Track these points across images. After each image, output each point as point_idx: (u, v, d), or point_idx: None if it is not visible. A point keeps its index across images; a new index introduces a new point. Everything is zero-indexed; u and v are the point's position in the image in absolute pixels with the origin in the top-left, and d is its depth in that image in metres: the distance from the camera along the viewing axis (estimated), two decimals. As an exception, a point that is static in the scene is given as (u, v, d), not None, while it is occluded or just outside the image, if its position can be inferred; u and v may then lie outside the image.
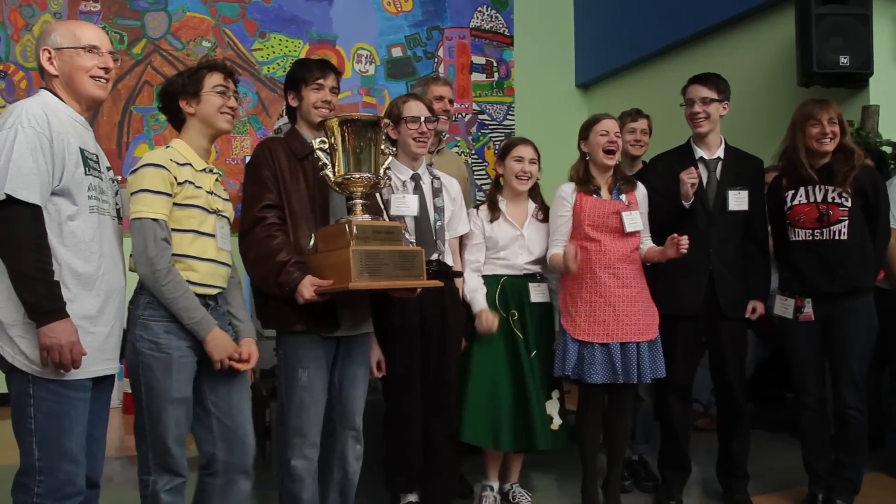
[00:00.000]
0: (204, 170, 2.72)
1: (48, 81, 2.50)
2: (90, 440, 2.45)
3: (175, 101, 2.72)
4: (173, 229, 2.58)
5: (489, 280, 3.62)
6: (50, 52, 2.48)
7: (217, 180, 2.78)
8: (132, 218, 2.54)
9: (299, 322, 2.89)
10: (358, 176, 2.82)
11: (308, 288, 2.77)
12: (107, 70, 2.52)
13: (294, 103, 3.09)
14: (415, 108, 3.41)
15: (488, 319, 3.51)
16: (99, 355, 2.43)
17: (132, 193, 2.56)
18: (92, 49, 2.49)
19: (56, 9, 6.25)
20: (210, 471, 2.72)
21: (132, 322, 2.59)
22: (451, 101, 4.06)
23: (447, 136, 4.77)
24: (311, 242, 2.89)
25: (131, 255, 2.58)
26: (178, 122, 2.78)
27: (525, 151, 3.65)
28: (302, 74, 3.05)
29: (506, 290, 3.60)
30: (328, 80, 3.04)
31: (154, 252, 2.51)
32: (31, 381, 2.32)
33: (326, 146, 2.84)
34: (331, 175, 2.85)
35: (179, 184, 2.59)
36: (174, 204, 2.59)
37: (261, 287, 2.93)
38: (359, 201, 2.84)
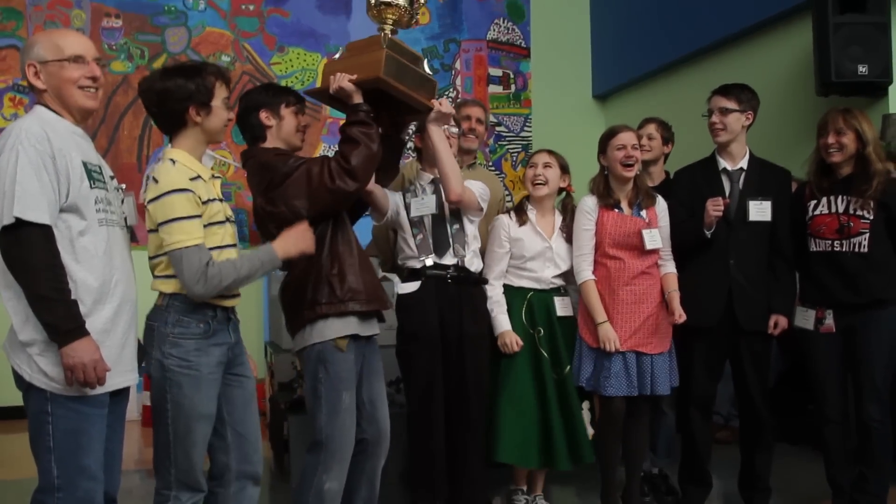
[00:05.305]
0: (211, 177, 2.63)
1: (38, 96, 2.42)
2: (106, 454, 2.44)
3: (181, 104, 2.54)
4: None
5: (516, 293, 3.60)
6: (35, 67, 2.39)
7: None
8: (172, 249, 2.46)
9: (349, 322, 2.90)
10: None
11: (343, 77, 2.93)
12: (94, 79, 2.44)
13: (269, 122, 2.95)
14: None
15: (511, 341, 3.50)
16: (116, 367, 2.40)
17: (161, 223, 2.47)
18: (77, 59, 2.40)
19: (79, 24, 6.30)
20: (222, 481, 2.68)
21: (159, 339, 2.53)
22: (479, 121, 4.11)
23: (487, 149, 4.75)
24: (339, 53, 3.12)
25: (168, 278, 2.55)
26: (171, 125, 2.60)
27: (538, 158, 3.70)
28: (284, 96, 2.98)
29: (532, 305, 3.59)
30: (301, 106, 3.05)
31: (206, 276, 2.46)
32: (50, 398, 2.31)
33: None
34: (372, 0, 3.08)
35: (204, 202, 2.53)
36: None
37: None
38: (388, 26, 3.11)
